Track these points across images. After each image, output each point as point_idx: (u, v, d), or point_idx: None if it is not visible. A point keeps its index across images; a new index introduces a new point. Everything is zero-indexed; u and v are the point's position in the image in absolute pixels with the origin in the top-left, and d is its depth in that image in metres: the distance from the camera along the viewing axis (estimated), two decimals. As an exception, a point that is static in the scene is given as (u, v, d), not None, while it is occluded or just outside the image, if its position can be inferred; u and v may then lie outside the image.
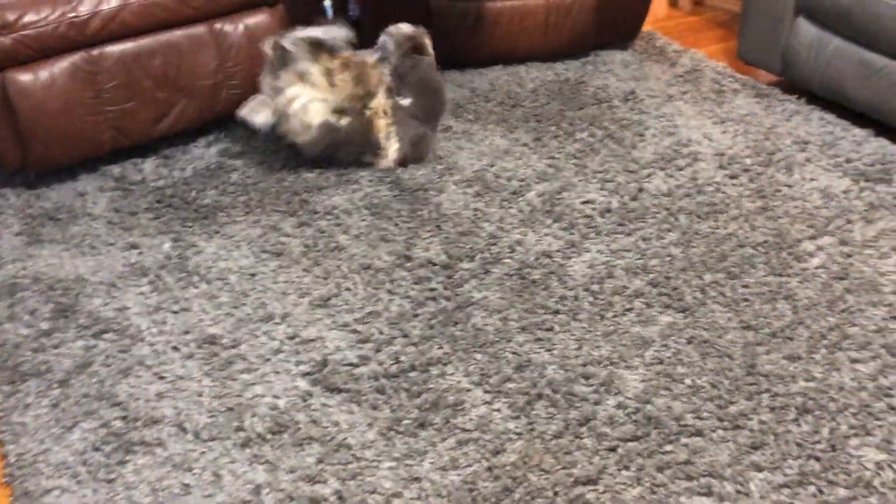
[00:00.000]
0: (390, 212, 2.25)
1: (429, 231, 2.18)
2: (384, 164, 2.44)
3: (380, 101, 2.41)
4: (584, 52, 3.20)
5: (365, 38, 2.95)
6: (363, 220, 2.22)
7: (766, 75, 3.13)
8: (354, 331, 1.84)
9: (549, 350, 1.80)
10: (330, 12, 3.03)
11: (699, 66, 3.15)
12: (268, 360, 1.76)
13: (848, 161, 2.55)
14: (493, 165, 2.50)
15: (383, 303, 1.92)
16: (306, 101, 2.30)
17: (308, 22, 3.31)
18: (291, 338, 1.82)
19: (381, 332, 1.83)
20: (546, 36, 3.06)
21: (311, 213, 2.24)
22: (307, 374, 1.73)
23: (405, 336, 1.82)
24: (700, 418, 1.65)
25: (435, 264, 2.05)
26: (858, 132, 2.71)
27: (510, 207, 2.30)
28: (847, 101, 2.77)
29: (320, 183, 2.37)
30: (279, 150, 2.52)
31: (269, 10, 2.51)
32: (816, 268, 2.09)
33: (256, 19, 2.47)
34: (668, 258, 2.11)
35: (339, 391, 1.68)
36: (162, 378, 1.71)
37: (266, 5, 2.50)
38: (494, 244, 2.14)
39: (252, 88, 2.52)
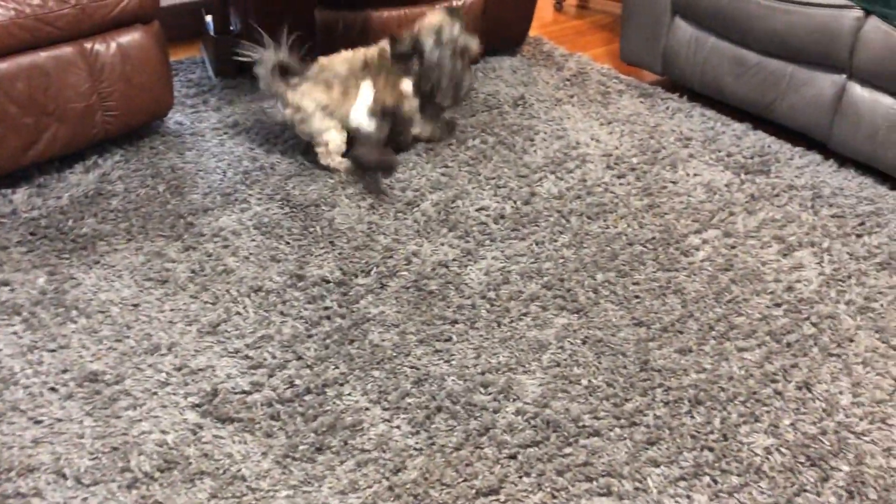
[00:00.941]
0: (281, 230, 2.20)
1: (322, 248, 2.14)
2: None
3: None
4: (473, 60, 3.22)
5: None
6: (252, 241, 2.15)
7: (650, 75, 3.22)
8: (246, 357, 1.78)
9: (447, 361, 1.79)
10: (211, 27, 2.94)
11: (585, 69, 3.22)
12: (154, 393, 1.68)
13: (729, 155, 2.64)
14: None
15: (275, 325, 1.87)
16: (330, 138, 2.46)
17: (187, 38, 3.22)
18: (179, 369, 1.74)
19: (273, 357, 1.78)
20: (434, 44, 3.05)
21: (198, 237, 2.16)
22: (196, 405, 1.65)
23: (299, 358, 1.77)
24: (597, 418, 1.66)
25: (329, 282, 2.01)
26: (737, 126, 2.82)
27: (405, 218, 2.28)
28: (725, 97, 2.88)
29: (206, 204, 2.29)
30: (162, 173, 2.43)
31: (144, 27, 2.41)
32: (702, 261, 2.15)
33: (130, 37, 2.37)
34: (561, 260, 2.13)
35: (231, 421, 1.62)
36: (38, 422, 1.61)
37: (140, 22, 2.40)
38: (390, 257, 2.12)
39: (129, 109, 2.42)
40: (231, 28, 2.94)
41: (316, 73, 2.48)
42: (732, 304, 1.99)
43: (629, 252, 2.17)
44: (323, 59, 2.52)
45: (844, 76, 2.53)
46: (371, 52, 2.55)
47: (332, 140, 2.51)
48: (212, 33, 2.92)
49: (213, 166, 2.47)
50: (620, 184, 2.48)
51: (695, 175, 2.54)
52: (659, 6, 2.98)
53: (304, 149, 2.57)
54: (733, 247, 2.21)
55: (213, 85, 2.94)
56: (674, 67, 3.00)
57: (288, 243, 2.15)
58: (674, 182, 2.50)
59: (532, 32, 3.46)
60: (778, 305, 1.99)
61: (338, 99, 2.45)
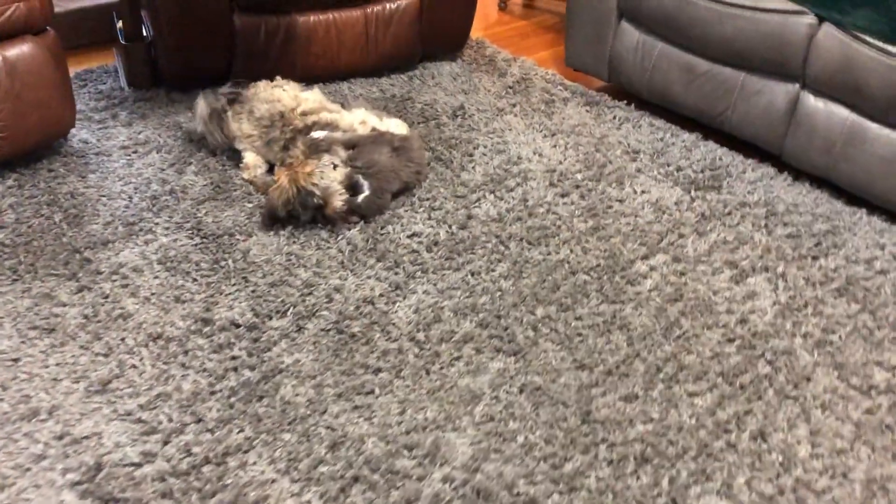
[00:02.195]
0: (188, 265, 1.98)
1: (233, 285, 1.93)
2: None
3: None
4: (411, 65, 3.03)
5: (162, 65, 2.66)
6: (156, 278, 1.93)
7: (596, 81, 3.06)
8: (139, 420, 1.57)
9: (368, 419, 1.60)
10: (121, 35, 2.70)
11: (529, 74, 3.04)
12: (27, 470, 1.46)
13: (678, 169, 2.49)
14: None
15: (175, 381, 1.66)
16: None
17: (101, 44, 2.97)
18: (60, 437, 1.52)
19: (170, 419, 1.57)
20: (367, 49, 2.86)
21: (94, 275, 1.93)
22: (76, 483, 1.44)
23: (199, 421, 1.57)
24: (534, 482, 1.49)
25: (239, 325, 1.81)
26: (687, 137, 2.67)
27: (329, 248, 2.08)
28: (674, 106, 2.72)
29: (107, 236, 2.06)
30: (60, 200, 2.19)
31: (35, 38, 2.17)
32: (650, 290, 1.99)
33: (18, 50, 2.13)
34: (498, 293, 1.95)
35: (116, 501, 1.41)
36: None
37: (30, 33, 2.16)
38: (309, 293, 1.92)
39: (21, 130, 2.17)
40: (144, 34, 2.70)
41: (250, 97, 2.39)
42: (682, 340, 1.84)
43: (572, 282, 2.00)
44: (258, 86, 2.43)
45: (798, 85, 2.39)
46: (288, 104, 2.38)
47: (251, 160, 2.31)
48: (122, 40, 2.68)
49: (118, 191, 2.24)
50: (564, 203, 2.31)
51: (642, 192, 2.38)
52: (604, 9, 2.81)
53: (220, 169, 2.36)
54: (683, 273, 2.05)
55: (125, 97, 2.70)
56: (620, 74, 2.84)
57: (195, 280, 1.94)
58: (620, 201, 2.34)
59: (475, 34, 3.28)
60: (731, 341, 1.84)
61: (259, 137, 2.34)
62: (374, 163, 2.21)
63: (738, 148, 2.61)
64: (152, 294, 1.88)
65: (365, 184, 2.18)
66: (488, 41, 3.32)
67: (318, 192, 2.11)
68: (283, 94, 2.39)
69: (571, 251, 2.12)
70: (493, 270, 2.03)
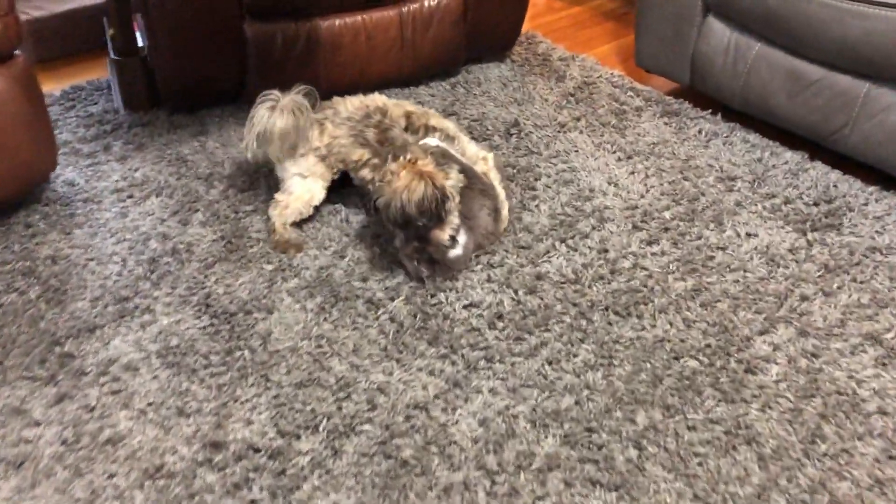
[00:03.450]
0: (195, 358, 1.58)
1: (251, 387, 1.53)
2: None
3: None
4: (453, 70, 2.58)
5: (161, 83, 2.24)
6: (154, 379, 1.54)
7: (669, 82, 2.60)
8: None
9: None
10: (112, 47, 2.28)
11: (592, 77, 2.58)
12: None
13: (787, 202, 2.04)
14: (343, 256, 1.86)
15: (177, 544, 1.27)
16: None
17: (94, 50, 2.55)
18: None
19: None
20: (403, 54, 2.42)
21: (77, 377, 1.54)
22: None
23: None
24: None
25: (258, 450, 1.41)
26: (790, 157, 2.21)
27: (368, 327, 1.67)
28: (775, 119, 2.26)
29: (95, 320, 1.67)
30: (38, 267, 1.80)
31: (2, 67, 1.76)
32: (777, 381, 1.57)
33: (-19, 83, 1.72)
34: (585, 391, 1.54)
35: None
36: None
37: (-7, 61, 1.75)
38: (347, 397, 1.52)
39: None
40: (139, 46, 2.27)
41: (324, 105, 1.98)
42: (829, 458, 1.42)
43: (677, 371, 1.58)
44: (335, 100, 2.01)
45: (942, 100, 1.93)
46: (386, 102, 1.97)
47: (300, 195, 1.88)
48: (113, 54, 2.26)
49: (110, 252, 1.84)
50: (653, 254, 1.88)
51: (748, 236, 1.94)
52: (685, 2, 2.34)
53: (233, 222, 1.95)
54: (815, 355, 1.62)
55: (120, 121, 2.29)
56: (706, 78, 2.37)
57: (203, 381, 1.54)
58: (722, 248, 1.90)
59: (523, 26, 2.82)
60: (892, 458, 1.42)
61: (347, 135, 1.91)
62: (475, 216, 1.80)
63: (853, 170, 2.15)
64: (149, 405, 1.49)
65: (463, 236, 1.77)
66: (539, 34, 2.86)
67: (452, 199, 1.69)
68: (379, 96, 1.99)
69: (671, 324, 1.69)
70: (575, 356, 1.61)
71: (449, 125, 1.90)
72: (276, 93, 1.85)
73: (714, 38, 2.30)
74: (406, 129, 1.86)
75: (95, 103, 2.37)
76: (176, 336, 1.63)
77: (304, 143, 1.86)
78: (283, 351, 1.61)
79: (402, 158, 1.72)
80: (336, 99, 1.98)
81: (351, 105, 1.93)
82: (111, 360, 1.58)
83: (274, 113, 1.82)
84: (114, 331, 1.64)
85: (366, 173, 1.88)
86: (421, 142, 1.81)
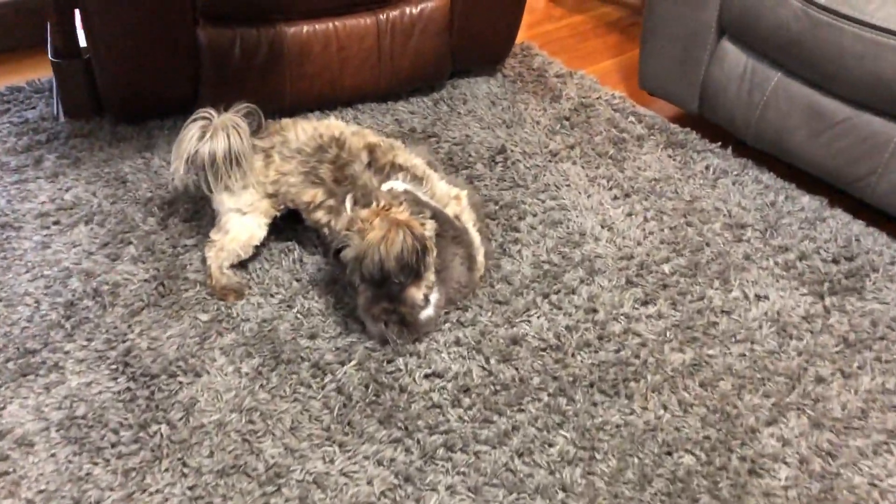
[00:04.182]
0: (102, 433, 1.34)
1: (165, 471, 1.29)
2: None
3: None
4: (436, 85, 2.33)
5: (103, 90, 1.99)
6: (51, 458, 1.30)
7: (674, 108, 2.35)
8: None
9: None
10: (51, 48, 2.02)
11: (590, 97, 2.33)
12: None
13: (802, 257, 1.80)
14: (291, 306, 1.61)
15: None
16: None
17: (27, 52, 2.28)
18: None
19: None
20: (380, 66, 2.16)
21: (-41, 453, 1.30)
22: None
23: None
24: None
25: (163, 563, 1.18)
26: (807, 202, 1.97)
27: (311, 398, 1.43)
28: (792, 158, 2.02)
29: (-10, 377, 1.43)
30: (-60, 303, 1.55)
31: None
32: (786, 487, 1.33)
33: None
34: (561, 494, 1.30)
35: None
36: None
37: None
38: (276, 490, 1.28)
39: None
40: (81, 48, 2.02)
41: (273, 131, 1.70)
42: None
43: (669, 469, 1.34)
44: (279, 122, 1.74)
45: None
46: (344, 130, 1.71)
47: (236, 235, 1.63)
48: (51, 56, 2.00)
49: (22, 291, 1.60)
50: (648, 316, 1.64)
51: (757, 297, 1.70)
52: (698, 22, 2.09)
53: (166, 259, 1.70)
54: (831, 454, 1.39)
55: (57, 131, 2.04)
56: (717, 108, 2.13)
57: (108, 462, 1.30)
58: (727, 312, 1.66)
59: (518, 35, 2.56)
60: None
61: (296, 171, 1.65)
62: (446, 267, 1.56)
63: (878, 221, 1.92)
64: (40, 493, 1.25)
65: (434, 293, 1.53)
66: (535, 46, 2.60)
67: (430, 251, 1.48)
68: (335, 122, 1.73)
69: (665, 407, 1.45)
70: (550, 445, 1.37)
71: (417, 163, 1.65)
72: (210, 111, 1.60)
73: (728, 63, 2.05)
74: (369, 165, 1.61)
75: (33, 108, 2.12)
76: (84, 403, 1.39)
77: (242, 173, 1.61)
78: (207, 426, 1.37)
79: (374, 205, 1.48)
80: (285, 122, 1.72)
81: (303, 133, 1.67)
82: (3, 432, 1.33)
83: (205, 135, 1.57)
84: (12, 392, 1.40)
85: (320, 216, 1.64)
86: (384, 185, 1.56)
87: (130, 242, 1.72)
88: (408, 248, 1.42)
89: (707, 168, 2.08)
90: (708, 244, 1.83)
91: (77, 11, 1.95)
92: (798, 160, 1.99)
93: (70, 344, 1.49)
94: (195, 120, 1.60)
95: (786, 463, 1.37)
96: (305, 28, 2.02)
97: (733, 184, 2.03)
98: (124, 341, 1.50)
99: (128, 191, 1.86)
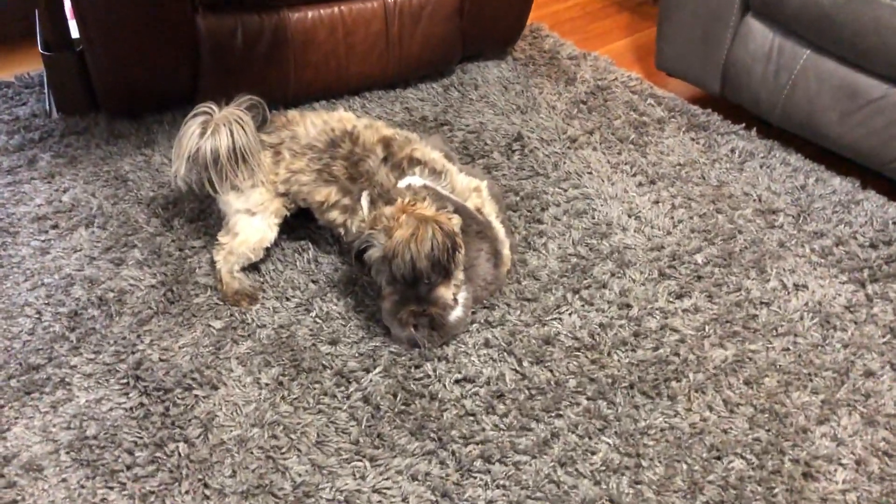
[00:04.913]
0: (117, 452, 1.26)
1: (186, 494, 1.21)
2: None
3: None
4: (446, 70, 2.23)
5: (98, 84, 1.89)
6: (61, 483, 1.21)
7: (693, 88, 2.26)
8: None
9: None
10: (39, 38, 1.91)
11: (606, 80, 2.24)
12: None
13: (839, 243, 1.72)
14: (309, 310, 1.52)
15: None
16: None
17: (17, 43, 2.15)
18: None
19: None
20: (388, 52, 2.06)
21: (-38, 482, 1.21)
22: None
23: None
24: None
25: None
26: (839, 184, 1.89)
27: (336, 408, 1.35)
28: (822, 139, 1.93)
29: (-9, 398, 1.33)
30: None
31: None
32: (844, 491, 1.26)
33: None
34: (607, 503, 1.22)
35: None
36: None
37: None
38: (306, 510, 1.20)
39: None
40: (73, 39, 1.91)
41: (281, 124, 1.60)
42: None
43: (720, 475, 1.27)
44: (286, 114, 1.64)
45: None
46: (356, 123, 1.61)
47: (246, 238, 1.54)
48: (42, 49, 1.89)
49: (22, 302, 1.50)
50: (684, 310, 1.56)
51: (795, 287, 1.62)
52: (721, -3, 2.00)
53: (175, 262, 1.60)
54: (888, 454, 1.32)
55: (51, 128, 1.93)
56: (741, 89, 2.04)
57: (124, 486, 1.21)
58: (766, 303, 1.58)
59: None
60: None
61: (308, 168, 1.55)
62: (472, 265, 1.47)
63: (912, 201, 1.84)
64: (49, 528, 1.16)
65: (463, 292, 1.45)
66: (545, 27, 2.50)
67: (460, 248, 1.40)
68: (345, 114, 1.63)
69: (710, 408, 1.37)
70: (594, 453, 1.29)
71: (435, 156, 1.56)
72: (210, 105, 1.50)
73: (753, 42, 1.96)
74: (385, 161, 1.51)
75: (24, 104, 2.01)
76: (95, 422, 1.30)
77: (250, 171, 1.51)
78: (228, 443, 1.28)
79: (399, 201, 1.39)
80: (292, 115, 1.62)
81: (312, 127, 1.57)
82: (8, 456, 1.24)
83: (207, 131, 1.47)
84: (17, 412, 1.31)
85: (335, 216, 1.54)
86: (401, 182, 1.47)
87: (135, 246, 1.63)
88: (438, 244, 1.34)
89: (732, 151, 2.00)
90: (740, 232, 1.75)
91: (67, 0, 1.85)
92: (829, 142, 1.91)
93: (76, 357, 1.40)
94: (195, 115, 1.50)
95: (841, 465, 1.30)
96: (310, 13, 1.92)
97: (761, 167, 1.95)
98: (134, 353, 1.41)
99: (129, 190, 1.76)
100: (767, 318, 1.55)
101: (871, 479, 1.28)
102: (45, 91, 2.02)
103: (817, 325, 1.54)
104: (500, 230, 1.57)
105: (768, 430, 1.34)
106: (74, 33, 1.90)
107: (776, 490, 1.25)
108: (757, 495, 1.25)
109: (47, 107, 1.99)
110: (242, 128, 1.49)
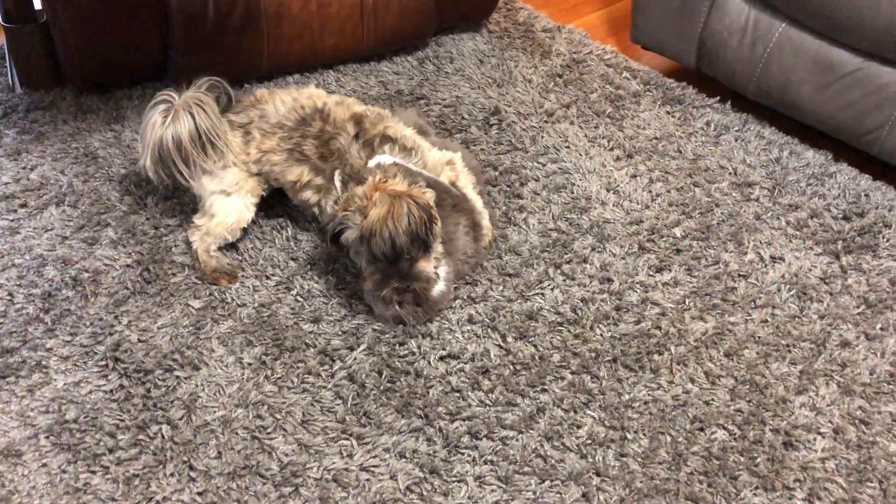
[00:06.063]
0: (98, 436, 1.24)
1: (171, 476, 1.19)
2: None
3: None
4: (421, 43, 2.20)
5: (63, 58, 1.83)
6: (42, 468, 1.19)
7: (668, 61, 2.26)
8: None
9: None
10: (1, 16, 1.84)
11: (581, 53, 2.23)
12: None
13: (813, 215, 1.75)
14: (290, 288, 1.50)
15: None
16: None
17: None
18: None
19: None
20: (363, 26, 2.03)
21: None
22: None
23: None
24: None
25: (178, 578, 1.08)
26: (812, 157, 1.91)
27: (321, 386, 1.34)
28: (797, 113, 1.95)
29: (-35, 382, 1.30)
30: None
31: None
32: (823, 459, 1.29)
33: None
34: (595, 479, 1.23)
35: None
36: None
37: None
38: (294, 491, 1.19)
39: None
40: (35, 10, 1.84)
41: (248, 104, 1.57)
42: (895, 569, 1.15)
43: (702, 446, 1.29)
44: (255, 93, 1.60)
45: None
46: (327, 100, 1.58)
47: (223, 219, 1.51)
48: (2, 21, 1.83)
49: (-8, 284, 1.46)
50: (664, 284, 1.57)
51: (772, 259, 1.64)
52: (697, -31, 1.99)
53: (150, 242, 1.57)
54: (864, 421, 1.35)
55: (15, 103, 1.87)
56: (716, 62, 2.04)
57: (107, 470, 1.19)
58: (744, 276, 1.60)
59: (501, -12, 2.44)
60: (970, 568, 1.15)
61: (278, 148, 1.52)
62: (451, 239, 1.46)
63: (885, 175, 1.87)
64: (34, 507, 1.14)
65: (444, 266, 1.43)
66: (519, -1, 2.48)
67: (436, 220, 1.38)
68: (315, 91, 1.60)
69: (692, 380, 1.39)
70: (579, 427, 1.30)
71: (407, 133, 1.54)
72: (170, 92, 1.45)
73: (729, 14, 1.97)
74: (356, 138, 1.49)
75: (-14, 79, 1.95)
76: (74, 405, 1.27)
77: (219, 153, 1.48)
78: (212, 424, 1.27)
79: (370, 180, 1.37)
80: (260, 93, 1.58)
81: (282, 105, 1.53)
82: (-13, 442, 1.22)
83: (168, 117, 1.44)
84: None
85: (308, 196, 1.52)
86: (371, 161, 1.45)
87: (108, 224, 1.59)
88: (415, 218, 1.33)
89: (707, 124, 2.01)
90: (717, 205, 1.77)
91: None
92: (803, 115, 1.93)
93: (52, 340, 1.37)
94: (156, 104, 1.46)
95: (820, 433, 1.33)
96: (284, -14, 1.88)
97: (736, 140, 1.96)
98: (111, 334, 1.39)
99: (99, 167, 1.72)
100: (746, 290, 1.57)
101: (848, 447, 1.31)
102: (8, 65, 1.95)
103: (794, 296, 1.56)
104: (476, 201, 1.56)
105: (749, 401, 1.37)
106: (37, 4, 1.84)
107: (758, 459, 1.28)
108: (740, 465, 1.27)
109: (10, 81, 1.92)
110: (204, 110, 1.46)
